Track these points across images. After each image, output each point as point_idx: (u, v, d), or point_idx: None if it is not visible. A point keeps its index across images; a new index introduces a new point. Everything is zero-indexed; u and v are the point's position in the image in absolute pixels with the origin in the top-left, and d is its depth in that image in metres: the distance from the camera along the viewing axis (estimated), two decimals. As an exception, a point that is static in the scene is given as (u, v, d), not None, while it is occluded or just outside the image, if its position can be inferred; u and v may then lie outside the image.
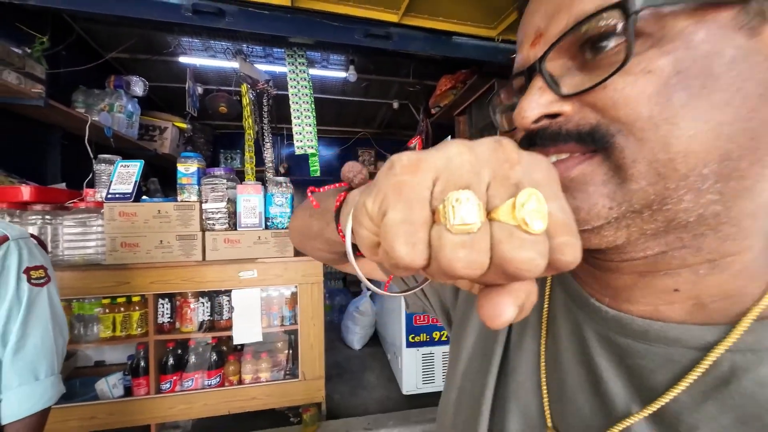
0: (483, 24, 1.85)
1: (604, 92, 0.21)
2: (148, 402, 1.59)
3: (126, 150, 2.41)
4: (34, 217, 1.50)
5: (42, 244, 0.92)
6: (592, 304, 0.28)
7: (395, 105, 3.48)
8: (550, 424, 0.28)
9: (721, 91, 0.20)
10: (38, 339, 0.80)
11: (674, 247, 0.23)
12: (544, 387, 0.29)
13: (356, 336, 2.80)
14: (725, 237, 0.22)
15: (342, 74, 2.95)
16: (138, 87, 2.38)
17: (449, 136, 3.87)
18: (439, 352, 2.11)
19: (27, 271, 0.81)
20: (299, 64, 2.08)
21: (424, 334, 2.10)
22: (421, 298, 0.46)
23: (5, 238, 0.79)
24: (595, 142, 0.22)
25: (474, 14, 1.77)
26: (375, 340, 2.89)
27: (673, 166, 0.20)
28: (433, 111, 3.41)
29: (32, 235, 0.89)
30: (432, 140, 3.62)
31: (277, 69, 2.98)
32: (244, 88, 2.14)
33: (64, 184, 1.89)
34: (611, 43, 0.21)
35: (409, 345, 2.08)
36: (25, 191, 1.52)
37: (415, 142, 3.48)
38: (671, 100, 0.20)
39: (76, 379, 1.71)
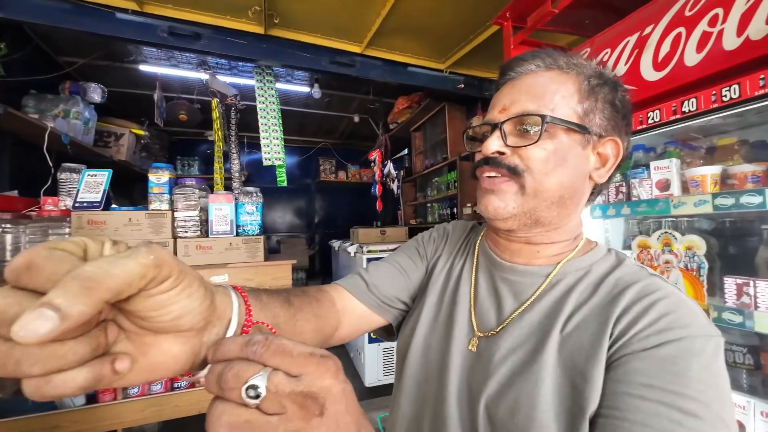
0: (433, 59, 2.16)
1: (525, 151, 0.44)
2: (115, 407, 1.61)
3: (82, 157, 2.34)
4: (-8, 226, 1.48)
5: None
6: (498, 260, 0.52)
7: (356, 119, 3.69)
8: (476, 329, 0.49)
9: (566, 166, 0.45)
10: None
11: (537, 233, 0.48)
12: (473, 310, 0.51)
13: (320, 337, 2.93)
14: (559, 232, 0.49)
15: (306, 89, 3.11)
16: (96, 94, 2.34)
17: (406, 149, 4.18)
18: (398, 345, 2.33)
19: None
20: (267, 81, 2.22)
21: (385, 330, 2.31)
22: (398, 308, 0.59)
23: None
24: (514, 173, 0.45)
25: (426, 50, 2.07)
26: (338, 340, 3.04)
27: (542, 193, 0.45)
28: (391, 126, 3.68)
29: None
30: (390, 153, 3.89)
31: (242, 81, 3.06)
32: (214, 102, 2.23)
33: (15, 192, 1.83)
34: (532, 129, 0.44)
35: (371, 341, 2.29)
36: (-22, 200, 1.49)
37: (375, 155, 3.74)
38: (548, 163, 0.44)
39: (30, 392, 1.67)
